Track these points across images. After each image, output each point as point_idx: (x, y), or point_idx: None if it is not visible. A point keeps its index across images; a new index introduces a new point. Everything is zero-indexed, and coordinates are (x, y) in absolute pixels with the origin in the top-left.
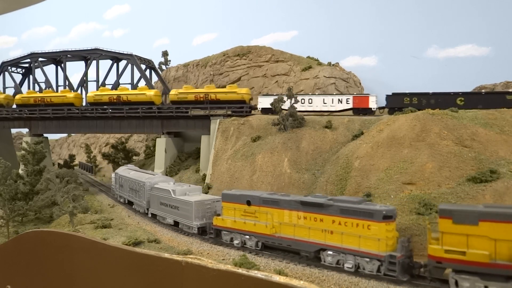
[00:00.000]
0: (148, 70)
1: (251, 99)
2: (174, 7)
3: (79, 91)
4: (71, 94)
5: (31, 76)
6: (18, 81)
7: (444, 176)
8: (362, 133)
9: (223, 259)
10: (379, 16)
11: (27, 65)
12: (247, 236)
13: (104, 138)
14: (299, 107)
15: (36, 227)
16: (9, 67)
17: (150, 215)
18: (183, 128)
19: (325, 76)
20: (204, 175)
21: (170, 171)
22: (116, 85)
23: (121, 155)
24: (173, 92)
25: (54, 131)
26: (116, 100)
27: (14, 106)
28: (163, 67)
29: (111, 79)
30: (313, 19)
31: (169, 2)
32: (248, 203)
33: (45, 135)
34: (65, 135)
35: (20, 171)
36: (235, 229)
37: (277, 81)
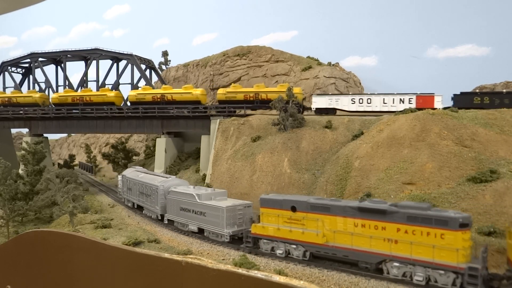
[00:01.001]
0: (148, 70)
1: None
2: (174, 7)
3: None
4: (111, 93)
5: (31, 76)
6: (18, 81)
7: (444, 176)
8: (362, 133)
9: (223, 259)
10: (379, 16)
11: (27, 65)
12: (294, 246)
13: (104, 138)
14: (356, 107)
15: (36, 227)
16: (9, 67)
17: (166, 221)
18: (183, 128)
19: (325, 76)
20: (204, 175)
21: (170, 171)
22: (116, 85)
23: (121, 155)
24: (220, 91)
25: (54, 131)
26: (159, 100)
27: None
28: (163, 67)
29: (111, 79)
30: (313, 19)
31: (169, 2)
32: (293, 209)
33: (45, 135)
34: (65, 135)
35: (20, 171)
36: (279, 238)
37: (277, 81)
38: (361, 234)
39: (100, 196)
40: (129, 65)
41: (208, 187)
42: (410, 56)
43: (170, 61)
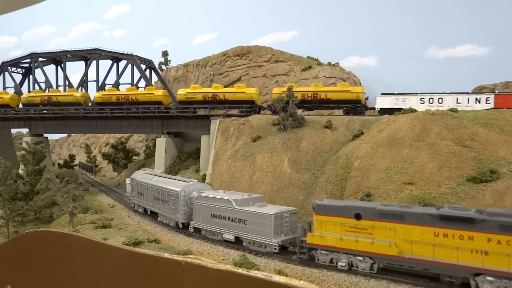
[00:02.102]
0: (148, 70)
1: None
2: (174, 7)
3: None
4: (159, 92)
5: (31, 76)
6: (18, 81)
7: (444, 176)
8: (362, 133)
9: (223, 259)
10: (379, 16)
11: (27, 65)
12: (360, 257)
13: (104, 138)
14: (425, 107)
15: (36, 227)
16: (9, 67)
17: (191, 229)
18: (183, 128)
19: (325, 76)
20: (204, 175)
21: (170, 171)
22: (116, 85)
23: (121, 155)
24: (276, 90)
25: (54, 131)
26: (211, 99)
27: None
28: (163, 67)
29: (111, 79)
30: (313, 19)
31: (169, 2)
32: (358, 216)
33: (45, 135)
34: (65, 135)
35: (20, 171)
36: (341, 249)
37: (277, 81)
38: (444, 245)
39: (100, 196)
40: (129, 65)
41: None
42: (410, 56)
43: (170, 61)
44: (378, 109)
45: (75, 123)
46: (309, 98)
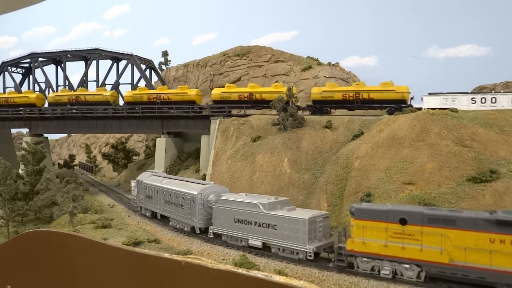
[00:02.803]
0: (148, 70)
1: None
2: (174, 7)
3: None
4: (192, 92)
5: (31, 76)
6: (18, 81)
7: (444, 176)
8: (362, 133)
9: (223, 259)
10: (379, 16)
11: (27, 65)
12: (406, 265)
13: (104, 138)
14: (477, 107)
15: (36, 227)
16: (9, 67)
17: (211, 235)
18: (183, 128)
19: (325, 76)
20: (204, 175)
21: (170, 171)
22: (116, 85)
23: (121, 155)
24: (315, 90)
25: (54, 131)
26: (247, 98)
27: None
28: (163, 67)
29: (111, 79)
30: (313, 19)
31: (169, 2)
32: (403, 221)
33: (45, 135)
34: (65, 135)
35: (20, 171)
36: (385, 256)
37: (277, 81)
38: (501, 252)
39: (100, 196)
40: (129, 65)
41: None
42: (410, 56)
43: (170, 61)
44: (425, 110)
45: (75, 123)
46: (351, 98)
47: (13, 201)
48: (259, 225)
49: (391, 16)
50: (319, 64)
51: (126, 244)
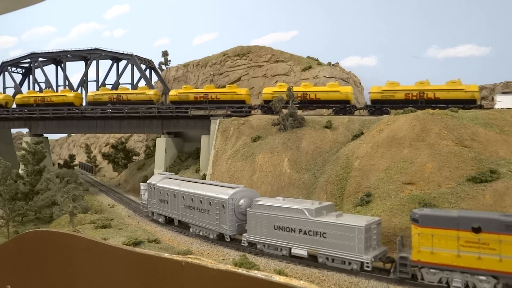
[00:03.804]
0: (148, 70)
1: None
2: (174, 7)
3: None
4: (242, 91)
5: (31, 76)
6: (18, 81)
7: (444, 176)
8: (362, 133)
9: (223, 259)
10: (379, 16)
11: (27, 65)
12: (483, 277)
13: (104, 138)
14: (501, 106)
15: (36, 227)
16: (9, 67)
17: (245, 243)
18: (183, 128)
19: (325, 76)
20: (204, 175)
21: (170, 171)
22: (116, 85)
23: (121, 155)
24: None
25: (54, 131)
26: (302, 98)
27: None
28: (163, 67)
29: (111, 79)
30: (313, 19)
31: (169, 2)
32: (477, 229)
33: (45, 135)
34: (65, 135)
35: (20, 171)
36: (458, 267)
37: (277, 81)
38: None
39: (100, 196)
40: (129, 65)
41: None
42: (410, 56)
43: (170, 61)
44: (499, 109)
45: (75, 123)
46: (414, 98)
47: (13, 201)
48: (305, 233)
49: (391, 16)
50: (319, 64)
51: (126, 244)
